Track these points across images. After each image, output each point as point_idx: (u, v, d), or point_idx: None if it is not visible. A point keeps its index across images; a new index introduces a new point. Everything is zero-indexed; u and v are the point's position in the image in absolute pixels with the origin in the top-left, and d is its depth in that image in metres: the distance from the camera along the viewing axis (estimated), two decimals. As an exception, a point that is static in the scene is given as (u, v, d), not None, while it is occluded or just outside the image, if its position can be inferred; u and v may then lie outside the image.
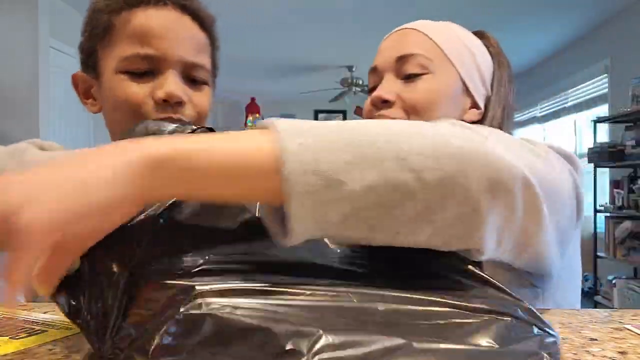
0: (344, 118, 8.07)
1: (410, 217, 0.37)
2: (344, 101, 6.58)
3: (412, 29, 0.83)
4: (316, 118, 8.11)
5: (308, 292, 0.35)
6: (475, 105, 0.85)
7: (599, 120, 4.00)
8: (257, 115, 7.11)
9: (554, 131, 5.35)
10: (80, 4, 1.34)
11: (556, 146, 0.59)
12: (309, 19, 4.33)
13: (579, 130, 4.93)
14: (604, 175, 4.22)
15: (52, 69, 3.36)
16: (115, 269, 0.37)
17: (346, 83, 6.06)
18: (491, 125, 0.87)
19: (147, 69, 0.73)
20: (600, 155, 3.80)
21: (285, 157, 0.34)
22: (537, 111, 5.60)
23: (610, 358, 0.42)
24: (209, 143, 0.36)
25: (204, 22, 0.78)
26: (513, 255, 0.48)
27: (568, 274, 0.68)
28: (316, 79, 6.34)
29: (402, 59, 0.81)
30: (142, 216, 0.40)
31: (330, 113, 8.03)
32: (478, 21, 2.89)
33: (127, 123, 0.75)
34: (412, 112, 0.79)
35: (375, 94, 0.81)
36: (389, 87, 0.81)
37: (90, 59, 0.78)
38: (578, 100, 4.82)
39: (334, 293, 0.36)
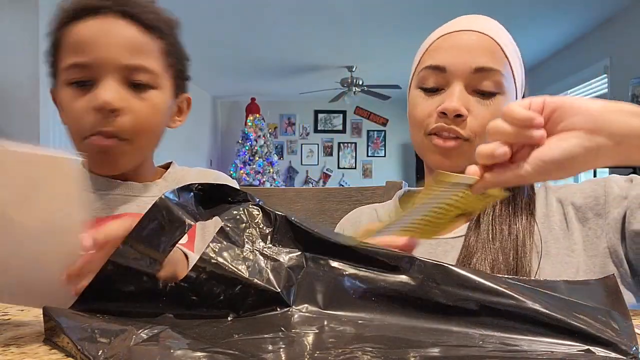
0: (344, 118, 8.07)
1: None
2: (344, 101, 6.58)
3: (486, 34, 0.76)
4: (316, 118, 8.11)
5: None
6: None
7: (599, 120, 3.99)
8: (257, 115, 7.12)
9: (554, 131, 5.34)
10: (80, 4, 1.33)
11: None
12: (309, 19, 4.33)
13: (579, 130, 4.93)
14: (604, 174, 4.20)
15: (52, 69, 3.34)
16: None
17: (346, 83, 6.06)
18: None
19: (86, 79, 0.74)
20: (600, 155, 3.79)
21: None
22: (537, 111, 5.59)
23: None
24: None
25: (146, 25, 0.77)
26: None
27: None
28: (316, 79, 6.34)
29: (480, 72, 0.73)
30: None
31: (330, 113, 8.03)
32: (478, 21, 2.87)
33: (74, 135, 0.77)
34: (479, 131, 0.73)
35: (450, 105, 0.72)
36: (463, 100, 0.73)
37: (51, 72, 0.81)
38: (578, 100, 4.82)
39: None
